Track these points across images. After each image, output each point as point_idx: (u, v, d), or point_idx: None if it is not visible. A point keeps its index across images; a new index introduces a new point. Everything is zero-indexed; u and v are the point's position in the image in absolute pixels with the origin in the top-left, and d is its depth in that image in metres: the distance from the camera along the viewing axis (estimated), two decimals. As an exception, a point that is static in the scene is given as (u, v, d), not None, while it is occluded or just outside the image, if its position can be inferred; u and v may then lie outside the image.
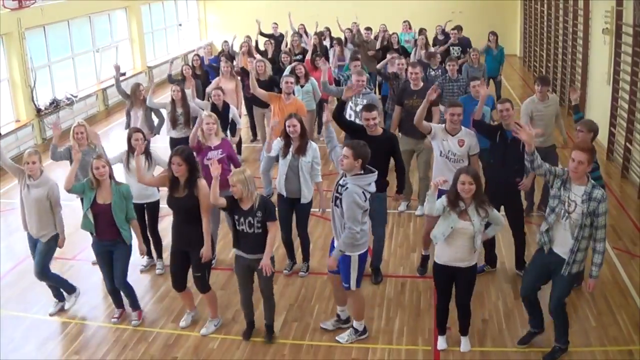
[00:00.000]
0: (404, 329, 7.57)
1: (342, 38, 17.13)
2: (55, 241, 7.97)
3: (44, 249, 7.86)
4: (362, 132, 8.11)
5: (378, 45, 16.46)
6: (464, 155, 8.36)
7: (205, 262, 7.35)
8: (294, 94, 11.40)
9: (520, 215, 8.62)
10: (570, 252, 6.41)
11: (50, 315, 8.13)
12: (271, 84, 12.97)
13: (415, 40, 16.05)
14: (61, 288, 8.25)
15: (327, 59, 15.40)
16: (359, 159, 6.65)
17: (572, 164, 6.26)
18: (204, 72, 14.49)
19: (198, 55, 14.87)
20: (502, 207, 8.28)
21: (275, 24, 18.85)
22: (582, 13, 15.58)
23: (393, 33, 16.86)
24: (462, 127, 8.46)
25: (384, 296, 8.29)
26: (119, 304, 8.01)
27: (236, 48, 16.94)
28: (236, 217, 7.02)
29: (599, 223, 6.29)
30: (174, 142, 11.04)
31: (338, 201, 6.77)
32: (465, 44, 16.63)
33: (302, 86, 12.70)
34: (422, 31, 16.84)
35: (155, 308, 8.20)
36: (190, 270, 7.52)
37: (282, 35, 18.48)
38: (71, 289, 8.29)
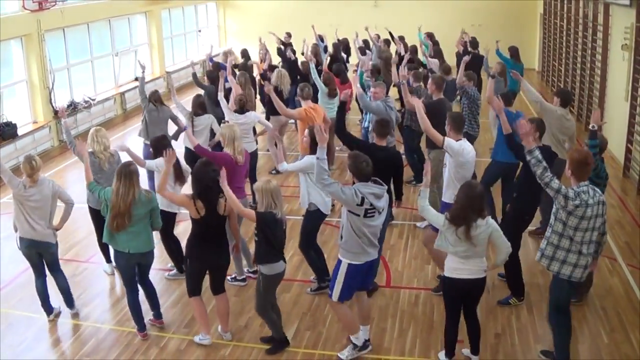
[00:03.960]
0: (416, 342, 7.52)
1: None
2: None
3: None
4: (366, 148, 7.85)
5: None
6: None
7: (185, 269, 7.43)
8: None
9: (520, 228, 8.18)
10: (545, 240, 6.46)
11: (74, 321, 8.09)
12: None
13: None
14: (65, 300, 8.20)
15: (346, 67, 15.48)
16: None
17: None
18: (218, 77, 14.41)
19: (216, 62, 14.92)
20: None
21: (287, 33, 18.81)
22: (602, 29, 15.53)
23: (412, 45, 16.92)
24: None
25: (397, 308, 8.25)
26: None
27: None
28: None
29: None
30: (188, 152, 10.92)
31: None
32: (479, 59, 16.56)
33: None
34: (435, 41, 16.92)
35: (167, 313, 8.17)
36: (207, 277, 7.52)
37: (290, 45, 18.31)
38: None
